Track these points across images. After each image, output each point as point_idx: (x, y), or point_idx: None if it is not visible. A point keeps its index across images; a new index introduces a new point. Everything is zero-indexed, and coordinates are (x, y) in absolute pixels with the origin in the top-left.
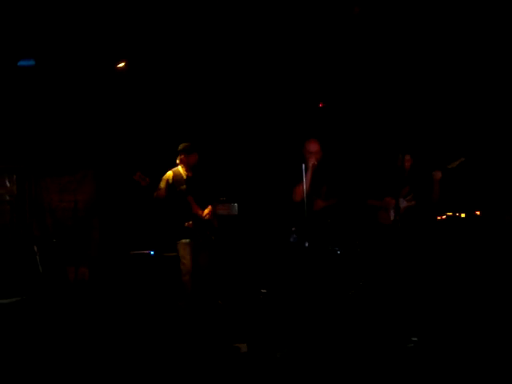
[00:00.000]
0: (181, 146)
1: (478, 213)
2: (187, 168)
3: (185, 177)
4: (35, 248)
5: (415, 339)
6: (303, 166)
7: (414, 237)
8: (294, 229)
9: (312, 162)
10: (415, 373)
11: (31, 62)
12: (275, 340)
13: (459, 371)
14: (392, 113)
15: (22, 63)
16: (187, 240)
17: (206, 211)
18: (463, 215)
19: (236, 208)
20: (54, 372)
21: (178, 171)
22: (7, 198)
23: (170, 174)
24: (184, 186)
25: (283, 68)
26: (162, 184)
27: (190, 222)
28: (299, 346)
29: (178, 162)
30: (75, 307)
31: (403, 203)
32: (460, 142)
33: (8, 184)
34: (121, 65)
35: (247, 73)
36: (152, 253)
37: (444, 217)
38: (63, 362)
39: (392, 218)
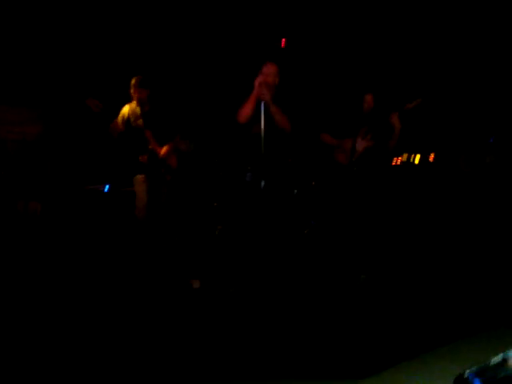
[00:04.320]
0: (132, 80)
1: (431, 156)
2: (138, 102)
3: (141, 111)
4: None
5: (363, 276)
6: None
7: (370, 179)
8: (249, 167)
9: (260, 79)
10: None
11: None
12: (228, 276)
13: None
14: (356, 52)
15: None
16: (142, 176)
17: (164, 149)
18: (417, 161)
19: (192, 144)
20: None
21: (134, 105)
22: None
23: (126, 107)
24: (140, 121)
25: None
26: (118, 118)
27: (145, 157)
28: (252, 282)
29: (131, 96)
30: (25, 241)
31: (361, 144)
32: (418, 83)
33: None
34: None
35: (203, 4)
36: (106, 187)
37: (398, 163)
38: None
39: (350, 158)
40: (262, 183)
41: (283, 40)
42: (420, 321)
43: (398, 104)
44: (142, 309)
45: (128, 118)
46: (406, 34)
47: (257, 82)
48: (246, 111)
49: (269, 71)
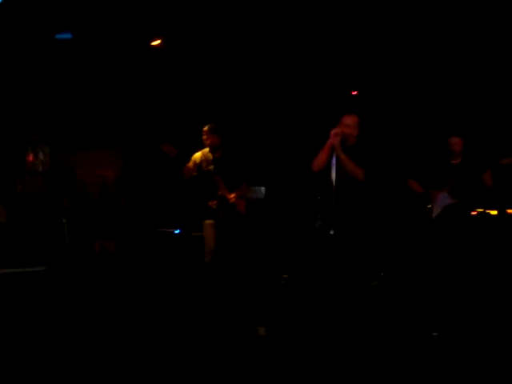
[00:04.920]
0: (205, 127)
1: (510, 211)
2: (211, 149)
3: (212, 157)
4: (63, 219)
5: (435, 334)
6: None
7: (451, 235)
8: (320, 216)
9: (335, 131)
10: (435, 367)
11: (68, 35)
12: (294, 324)
13: (476, 368)
14: (445, 99)
15: (59, 36)
16: (211, 221)
17: (233, 194)
18: (494, 212)
19: (263, 192)
20: (65, 343)
21: (207, 151)
22: (40, 169)
23: (198, 153)
24: (212, 166)
25: (315, 52)
26: (191, 163)
27: (215, 202)
28: (317, 333)
29: (204, 142)
30: (98, 279)
31: (447, 199)
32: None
33: (42, 156)
34: (155, 42)
35: (276, 55)
36: (177, 231)
37: (475, 213)
38: (76, 335)
39: (434, 213)
40: (331, 232)
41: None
42: None
43: (491, 157)
44: (207, 352)
45: (200, 163)
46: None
47: (332, 132)
48: (320, 160)
49: (348, 123)
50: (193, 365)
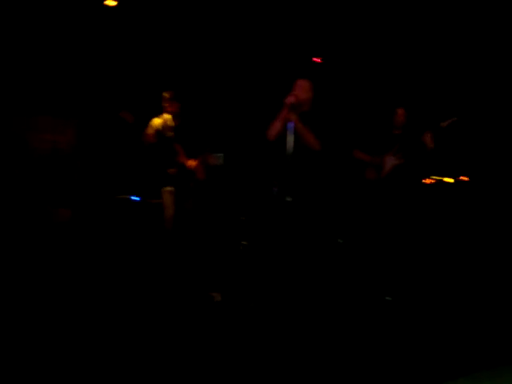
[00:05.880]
0: (165, 94)
1: (465, 178)
2: (172, 116)
3: (172, 124)
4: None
5: (389, 299)
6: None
7: (399, 197)
8: (276, 182)
9: (289, 99)
10: (389, 329)
11: None
12: (250, 290)
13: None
14: (389, 68)
15: None
16: (171, 188)
17: (192, 161)
18: (451, 180)
19: (222, 158)
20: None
21: (166, 118)
22: None
23: (158, 120)
24: (171, 133)
25: (273, 20)
26: (150, 130)
27: (174, 170)
28: (274, 298)
29: (164, 108)
30: (55, 245)
31: (392, 161)
32: (454, 102)
33: None
34: (110, 2)
35: (235, 22)
36: (137, 198)
37: (433, 181)
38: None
39: (379, 175)
40: (288, 198)
41: (316, 58)
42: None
43: (431, 122)
44: (161, 318)
45: (160, 130)
46: (443, 51)
47: (287, 102)
48: (274, 129)
49: (300, 87)
50: (148, 329)
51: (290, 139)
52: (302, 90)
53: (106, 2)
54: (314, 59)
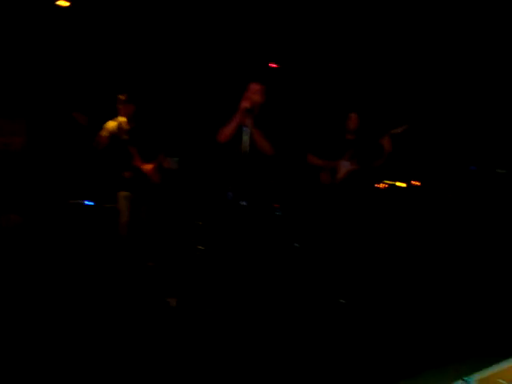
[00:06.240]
0: (120, 96)
1: (416, 183)
2: (127, 118)
3: (127, 127)
4: None
5: (343, 301)
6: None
7: (353, 201)
8: (230, 187)
9: (244, 103)
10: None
11: None
12: (206, 295)
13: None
14: (342, 71)
15: None
16: (126, 193)
17: (147, 165)
18: (403, 185)
19: (176, 162)
20: None
21: (121, 121)
22: None
23: (112, 122)
24: (126, 136)
25: (229, 23)
26: (104, 132)
27: (129, 173)
28: (229, 303)
29: (118, 111)
30: (4, 254)
31: (346, 166)
32: (406, 108)
33: None
34: (62, 2)
35: (189, 24)
36: (90, 203)
37: (386, 185)
38: None
39: (333, 179)
40: (243, 203)
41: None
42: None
43: (384, 128)
44: (117, 324)
45: (115, 132)
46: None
47: (242, 106)
48: (226, 132)
49: (256, 89)
50: (103, 334)
51: (246, 142)
52: (255, 93)
53: (58, 3)
54: (271, 64)
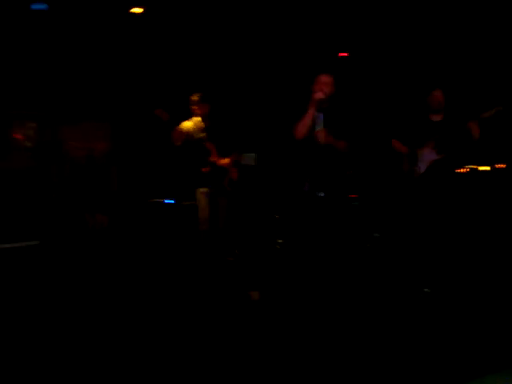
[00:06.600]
0: (194, 96)
1: (501, 166)
2: (202, 118)
3: (203, 126)
4: (53, 194)
5: (427, 290)
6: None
7: (437, 192)
8: (307, 178)
9: (318, 96)
10: (427, 323)
11: (44, 6)
12: (288, 288)
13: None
14: (427, 53)
15: (35, 7)
16: (205, 189)
17: (225, 160)
18: (487, 168)
19: (254, 158)
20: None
21: (197, 120)
22: (28, 144)
23: (188, 123)
24: (203, 134)
25: (302, 15)
26: (179, 133)
27: (207, 168)
28: (312, 295)
29: (192, 111)
30: (92, 253)
31: (432, 155)
32: (496, 90)
33: (29, 131)
34: (137, 10)
35: (261, 21)
36: (170, 201)
37: (467, 170)
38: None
39: (414, 168)
40: (321, 194)
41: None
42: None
43: (473, 112)
44: (203, 318)
45: (190, 133)
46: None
47: (314, 98)
48: (302, 129)
49: (326, 81)
50: (188, 331)
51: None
52: (325, 85)
53: (133, 10)
54: (341, 54)
